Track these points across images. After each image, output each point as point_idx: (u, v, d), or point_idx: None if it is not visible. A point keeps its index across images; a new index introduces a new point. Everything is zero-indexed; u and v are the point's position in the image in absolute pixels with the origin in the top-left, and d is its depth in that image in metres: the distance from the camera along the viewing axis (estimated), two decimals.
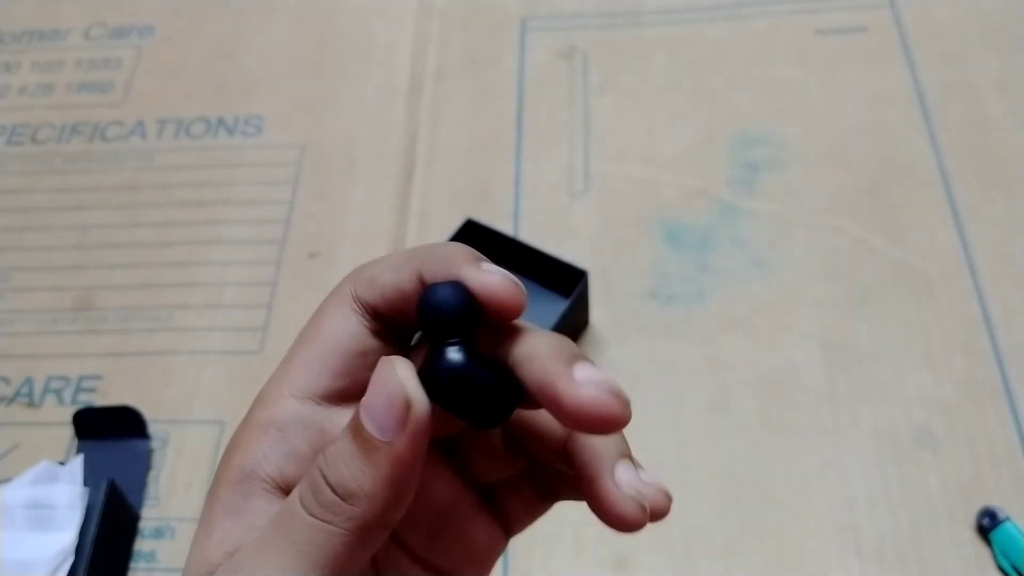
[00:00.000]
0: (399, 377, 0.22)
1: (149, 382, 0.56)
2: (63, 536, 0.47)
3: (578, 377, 0.22)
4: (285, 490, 0.24)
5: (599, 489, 0.23)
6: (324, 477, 0.22)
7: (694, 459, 0.50)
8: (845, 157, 0.61)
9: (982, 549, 0.47)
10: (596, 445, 0.24)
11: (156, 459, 0.53)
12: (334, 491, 0.22)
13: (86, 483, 0.49)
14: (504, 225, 0.59)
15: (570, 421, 0.22)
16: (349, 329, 0.24)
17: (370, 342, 0.24)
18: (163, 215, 0.63)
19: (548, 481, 0.27)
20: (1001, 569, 0.46)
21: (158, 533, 0.50)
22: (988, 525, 0.47)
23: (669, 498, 0.24)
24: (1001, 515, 0.47)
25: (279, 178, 0.64)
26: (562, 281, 0.53)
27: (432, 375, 0.22)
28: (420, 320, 0.23)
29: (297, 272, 0.59)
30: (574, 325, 0.54)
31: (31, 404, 0.56)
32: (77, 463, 0.50)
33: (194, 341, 0.57)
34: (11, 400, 0.56)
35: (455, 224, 0.55)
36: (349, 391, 0.24)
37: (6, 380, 0.57)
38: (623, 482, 0.23)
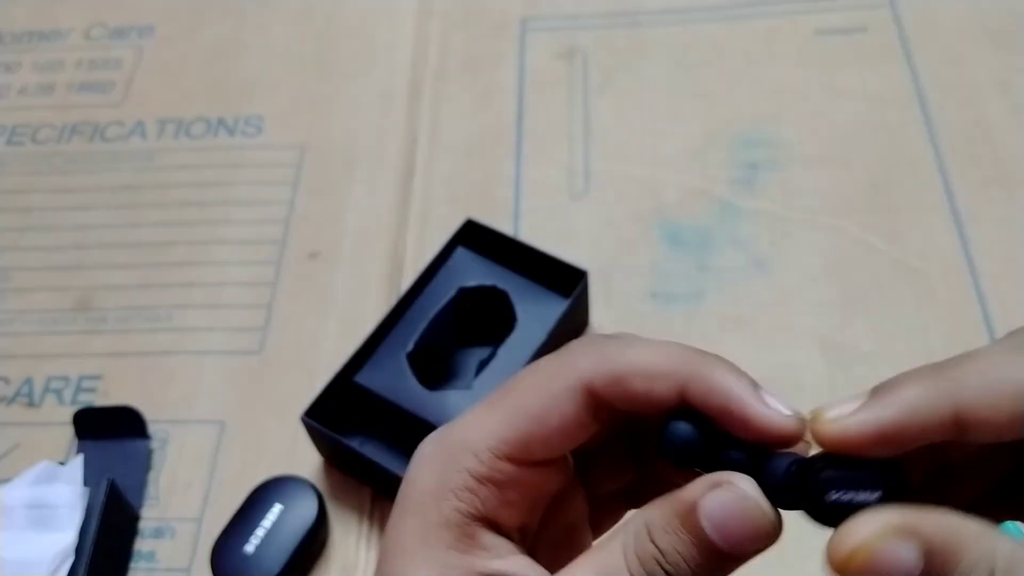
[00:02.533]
0: (761, 507, 0.23)
1: (149, 382, 0.56)
2: (63, 536, 0.47)
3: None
4: (496, 526, 0.25)
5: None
6: (665, 572, 0.23)
7: None
8: (845, 157, 0.61)
9: None
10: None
11: (156, 459, 0.53)
12: None
13: (86, 483, 0.49)
14: (504, 225, 0.59)
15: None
16: (578, 419, 0.25)
17: (593, 425, 0.25)
18: (163, 215, 0.63)
19: (641, 493, 0.28)
20: None
21: (158, 533, 0.50)
22: None
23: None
24: None
25: (279, 178, 0.64)
26: (562, 281, 0.53)
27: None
28: (666, 454, 0.24)
29: (297, 272, 0.59)
30: (574, 325, 0.54)
31: (31, 404, 0.56)
32: (77, 463, 0.50)
33: (194, 341, 0.57)
34: (11, 400, 0.56)
35: (455, 224, 0.55)
36: (557, 459, 0.26)
37: (6, 380, 0.57)
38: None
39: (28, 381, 0.56)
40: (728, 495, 0.23)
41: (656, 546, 0.23)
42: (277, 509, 0.48)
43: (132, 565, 0.50)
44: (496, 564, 0.25)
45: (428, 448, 0.26)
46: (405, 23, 0.71)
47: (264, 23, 0.73)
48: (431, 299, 0.52)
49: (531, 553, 0.26)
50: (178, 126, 0.67)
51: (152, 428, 0.54)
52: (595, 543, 0.25)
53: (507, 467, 0.25)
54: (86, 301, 0.59)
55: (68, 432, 0.54)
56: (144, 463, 0.53)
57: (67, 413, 0.54)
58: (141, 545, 0.50)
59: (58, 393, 0.56)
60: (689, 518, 0.23)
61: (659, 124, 0.64)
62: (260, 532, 0.47)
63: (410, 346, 0.51)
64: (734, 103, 0.65)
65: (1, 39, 0.74)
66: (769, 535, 0.23)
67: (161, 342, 0.57)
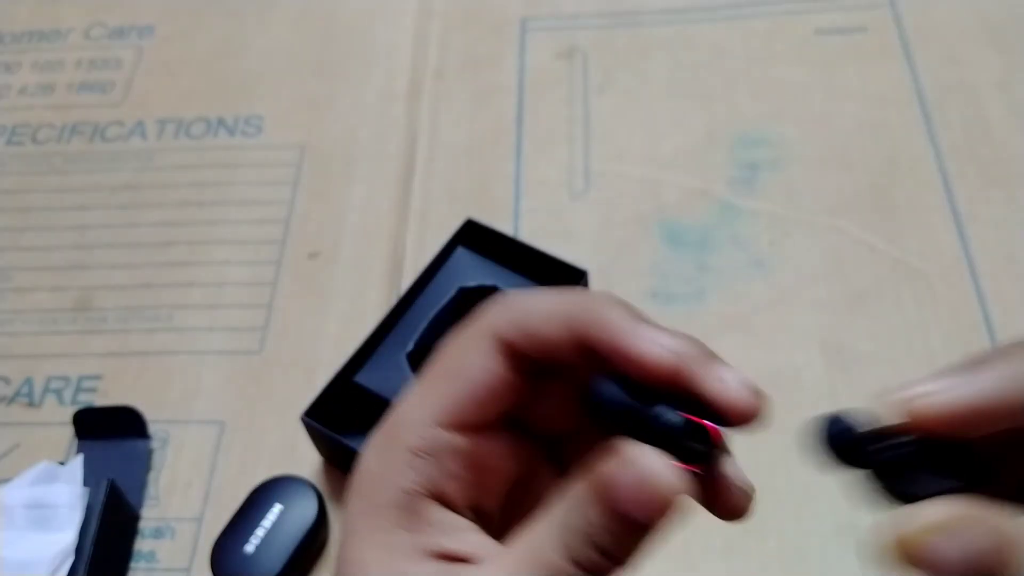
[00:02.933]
0: (668, 478, 0.23)
1: (149, 382, 0.56)
2: (63, 536, 0.47)
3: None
4: (445, 502, 0.25)
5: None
6: (589, 541, 0.23)
7: None
8: (845, 157, 0.61)
9: None
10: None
11: (156, 459, 0.53)
12: (602, 554, 0.23)
13: (86, 483, 0.49)
14: (504, 225, 0.59)
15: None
16: (496, 370, 0.25)
17: (514, 378, 0.25)
18: (163, 215, 0.63)
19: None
20: None
21: (158, 533, 0.50)
22: None
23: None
24: None
25: (279, 178, 0.64)
26: (562, 281, 0.53)
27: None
28: (588, 412, 0.24)
29: (297, 272, 0.59)
30: None
31: (31, 404, 0.56)
32: (77, 463, 0.50)
33: (194, 341, 0.57)
34: (11, 400, 0.56)
35: (455, 224, 0.55)
36: (491, 420, 0.26)
37: (6, 380, 0.57)
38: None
39: (28, 381, 0.56)
40: (631, 469, 0.23)
41: (581, 522, 0.23)
42: (277, 509, 0.48)
43: (132, 565, 0.50)
44: (443, 541, 0.25)
45: (373, 436, 0.26)
46: (405, 23, 0.71)
47: (264, 23, 0.73)
48: (431, 299, 0.52)
49: (483, 509, 0.26)
50: (178, 126, 0.67)
51: (152, 428, 0.54)
52: (530, 523, 0.25)
53: (444, 435, 0.25)
54: (86, 301, 0.59)
55: (68, 432, 0.54)
56: (144, 463, 0.52)
57: (67, 413, 0.54)
58: (141, 545, 0.50)
59: (58, 393, 0.56)
60: (602, 493, 0.23)
61: (659, 124, 0.64)
62: (260, 532, 0.47)
63: (410, 346, 0.51)
64: (734, 103, 0.65)
65: (1, 39, 0.74)
66: (671, 503, 0.23)
67: (161, 342, 0.57)
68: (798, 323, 0.55)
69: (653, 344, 0.23)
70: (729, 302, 0.56)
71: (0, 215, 0.64)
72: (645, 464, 0.23)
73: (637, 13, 0.70)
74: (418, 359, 0.50)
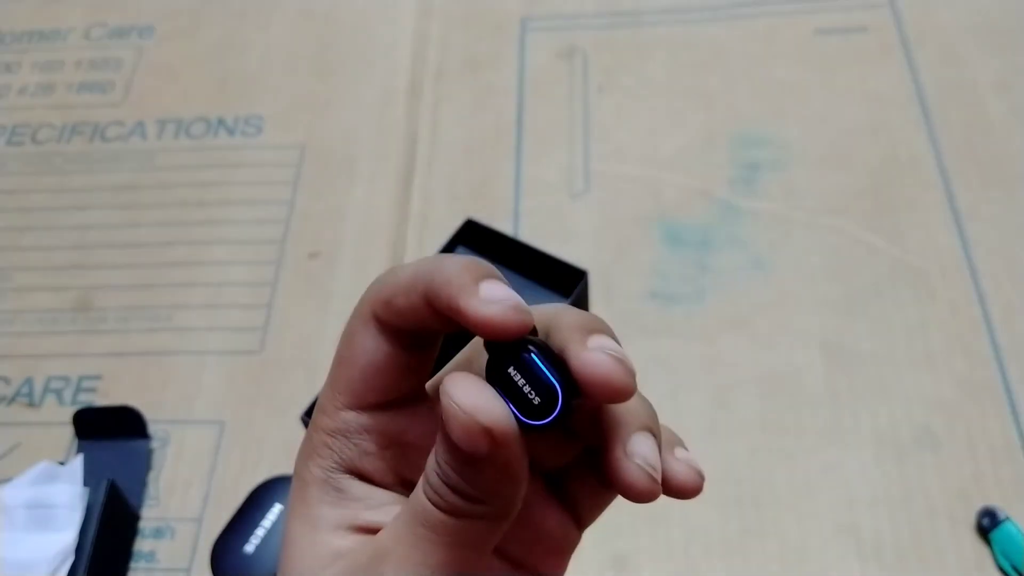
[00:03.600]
0: (469, 411, 0.22)
1: (149, 382, 0.56)
2: (63, 536, 0.47)
3: (590, 344, 0.23)
4: (368, 478, 0.26)
5: (609, 456, 0.24)
6: (445, 483, 0.23)
7: None
8: (845, 157, 0.61)
9: (982, 549, 0.47)
10: (618, 416, 0.25)
11: (156, 459, 0.53)
12: (454, 492, 0.23)
13: (86, 483, 0.49)
14: (504, 225, 0.59)
15: (584, 385, 0.23)
16: (382, 348, 0.25)
17: (401, 353, 0.26)
18: (163, 215, 0.63)
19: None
20: (1001, 569, 0.46)
21: (158, 533, 0.50)
22: (988, 525, 0.47)
23: (701, 476, 0.25)
24: (1001, 515, 0.47)
25: (279, 178, 0.64)
26: (562, 281, 0.53)
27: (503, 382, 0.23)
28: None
29: (297, 272, 0.59)
30: None
31: (31, 404, 0.56)
32: (77, 463, 0.50)
33: (194, 341, 0.57)
34: (11, 400, 0.56)
35: (455, 224, 0.55)
36: (397, 397, 0.26)
37: (6, 380, 0.57)
38: (635, 452, 0.24)
39: (28, 381, 0.56)
40: (455, 400, 0.23)
41: (432, 462, 0.24)
42: (277, 509, 0.48)
43: (132, 565, 0.50)
44: (365, 514, 0.26)
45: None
46: (405, 23, 0.71)
47: (264, 23, 0.73)
48: None
49: None
50: (178, 126, 0.67)
51: (152, 428, 0.54)
52: None
53: (349, 416, 0.26)
54: (86, 301, 0.59)
55: (68, 432, 0.54)
56: (144, 463, 0.53)
57: (67, 413, 0.54)
58: (141, 545, 0.50)
59: (58, 393, 0.56)
60: (441, 427, 0.23)
61: (659, 124, 0.64)
62: (260, 532, 0.47)
63: None
64: (734, 103, 0.65)
65: (1, 39, 0.74)
66: (494, 435, 0.22)
67: (161, 342, 0.57)
68: (798, 323, 0.55)
69: (487, 303, 0.23)
70: (729, 302, 0.56)
71: (0, 215, 0.64)
72: (467, 394, 0.22)
73: (637, 13, 0.70)
74: None
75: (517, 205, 0.61)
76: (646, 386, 0.58)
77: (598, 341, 0.23)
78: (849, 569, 0.47)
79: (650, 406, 0.26)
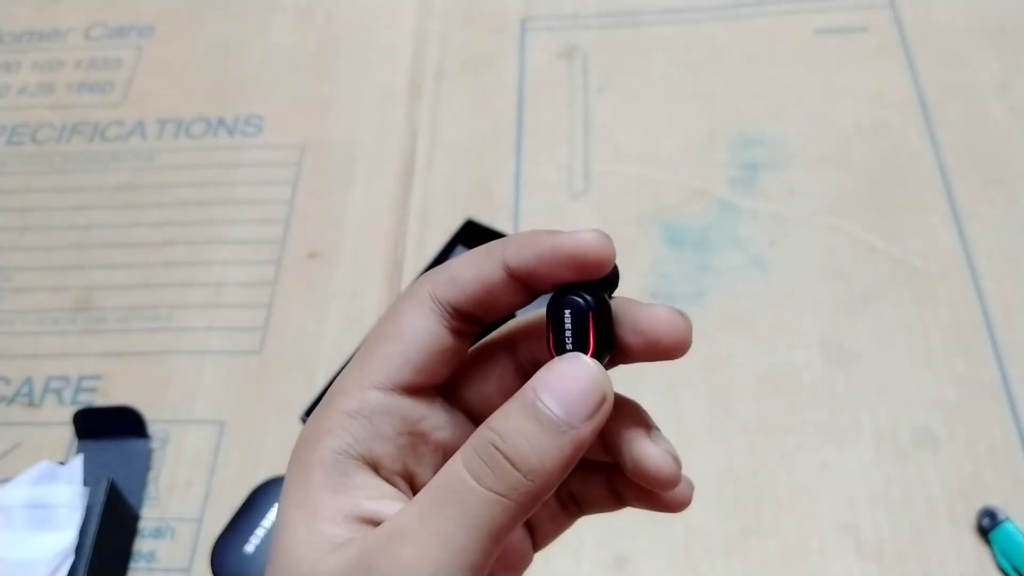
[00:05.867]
0: (594, 372, 0.24)
1: (149, 382, 0.56)
2: (63, 536, 0.47)
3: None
4: (375, 466, 0.26)
5: (637, 448, 0.25)
6: (503, 454, 0.23)
7: (694, 459, 0.50)
8: (845, 157, 0.61)
9: (982, 549, 0.47)
10: (636, 413, 0.26)
11: (156, 459, 0.53)
12: (515, 467, 0.23)
13: (86, 483, 0.49)
14: (504, 225, 0.59)
15: (648, 338, 0.25)
16: (431, 328, 0.26)
17: (448, 339, 0.26)
18: (163, 215, 0.63)
19: (573, 496, 0.29)
20: (1001, 569, 0.46)
21: (158, 533, 0.50)
22: (988, 525, 0.47)
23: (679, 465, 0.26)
24: (1001, 515, 0.47)
25: (279, 178, 0.64)
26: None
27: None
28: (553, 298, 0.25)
29: (297, 272, 0.59)
30: None
31: (31, 404, 0.56)
32: (77, 463, 0.50)
33: (194, 341, 0.57)
34: (11, 400, 0.56)
35: (455, 224, 0.55)
36: (426, 384, 0.26)
37: (6, 380, 0.57)
38: (659, 441, 0.26)
39: (28, 381, 0.56)
40: (567, 362, 0.24)
41: (492, 430, 0.23)
42: (277, 509, 0.48)
43: (132, 565, 0.50)
44: (368, 504, 0.25)
45: (318, 405, 0.27)
46: (405, 23, 0.71)
47: (264, 23, 0.73)
48: None
49: None
50: (178, 126, 0.67)
51: (152, 428, 0.54)
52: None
53: (379, 396, 0.25)
54: (86, 301, 0.59)
55: (68, 432, 0.54)
56: (144, 463, 0.53)
57: (67, 413, 0.54)
58: (141, 545, 0.50)
59: (58, 393, 0.56)
60: (525, 395, 0.24)
61: (659, 124, 0.64)
62: (260, 532, 0.47)
63: None
64: (734, 103, 0.65)
65: (1, 39, 0.74)
66: (607, 412, 0.24)
67: (161, 342, 0.57)
68: (798, 323, 0.55)
69: (582, 232, 0.24)
70: (729, 302, 0.56)
71: (0, 215, 0.64)
72: (587, 362, 0.24)
73: (637, 13, 0.70)
74: None
75: (517, 205, 0.61)
76: (645, 386, 0.57)
77: (657, 305, 0.25)
78: (849, 569, 0.47)
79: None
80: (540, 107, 0.66)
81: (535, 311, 0.27)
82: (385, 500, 0.25)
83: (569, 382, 0.24)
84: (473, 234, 0.55)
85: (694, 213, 0.60)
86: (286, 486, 0.26)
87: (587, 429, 0.23)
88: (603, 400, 0.24)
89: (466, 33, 0.70)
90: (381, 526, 0.24)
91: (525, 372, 0.28)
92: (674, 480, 0.25)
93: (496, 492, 0.23)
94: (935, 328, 0.54)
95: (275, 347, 0.57)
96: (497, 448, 0.23)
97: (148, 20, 0.74)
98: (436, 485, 0.24)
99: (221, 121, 0.67)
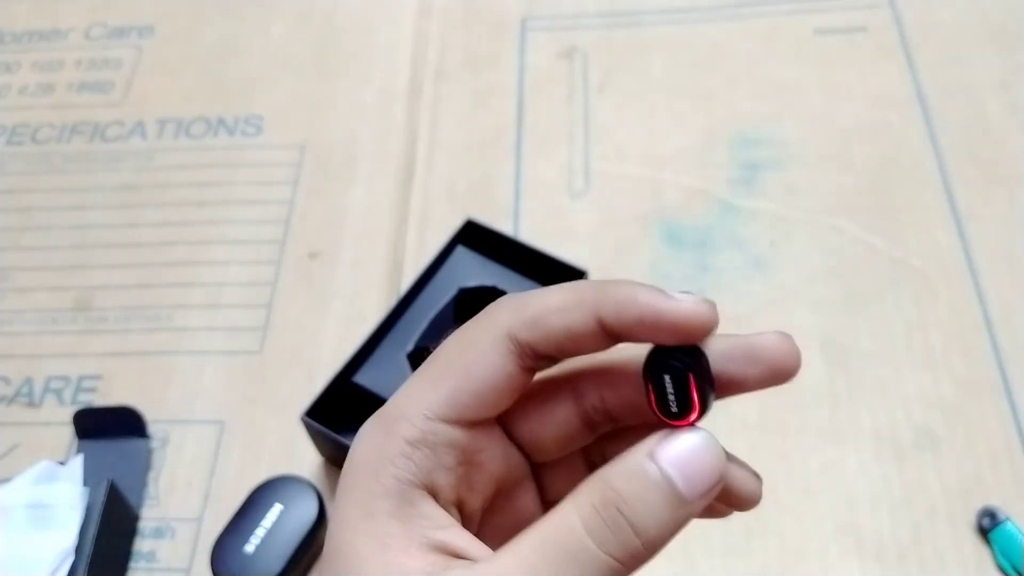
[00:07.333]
0: (718, 452, 0.24)
1: (149, 382, 0.56)
2: (63, 536, 0.47)
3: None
4: (434, 495, 0.25)
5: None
6: (627, 519, 0.23)
7: None
8: (845, 157, 0.61)
9: (982, 549, 0.47)
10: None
11: (156, 459, 0.53)
12: (636, 534, 0.23)
13: (86, 483, 0.49)
14: (504, 225, 0.59)
15: (772, 366, 0.26)
16: (506, 368, 0.25)
17: (519, 376, 0.26)
18: (163, 215, 0.63)
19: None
20: (1001, 569, 0.46)
21: (158, 533, 0.50)
22: (988, 525, 0.47)
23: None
24: (1001, 515, 0.47)
25: (279, 178, 0.64)
26: (562, 281, 0.53)
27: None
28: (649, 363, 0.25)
29: (297, 272, 0.59)
30: None
31: (31, 404, 0.56)
32: (77, 463, 0.50)
33: (194, 341, 0.57)
34: (11, 400, 0.56)
35: (455, 224, 0.55)
36: (489, 416, 0.26)
37: (6, 380, 0.57)
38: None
39: (28, 381, 0.56)
40: (693, 438, 0.24)
41: (614, 490, 0.23)
42: (277, 509, 0.48)
43: (132, 565, 0.50)
44: (436, 534, 0.24)
45: (367, 426, 0.26)
46: (405, 23, 0.71)
47: (264, 23, 0.73)
48: (431, 299, 0.52)
49: (465, 502, 0.27)
50: (178, 126, 0.67)
51: (152, 428, 0.54)
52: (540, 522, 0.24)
53: (441, 427, 0.25)
54: (86, 301, 0.59)
55: (68, 432, 0.54)
56: (144, 463, 0.53)
57: (67, 413, 0.54)
58: (141, 545, 0.50)
59: (58, 393, 0.56)
60: (647, 461, 0.23)
61: (659, 124, 0.64)
62: (260, 532, 0.47)
63: (410, 346, 0.51)
64: (734, 103, 0.65)
65: (1, 39, 0.74)
66: (721, 481, 0.24)
67: (161, 342, 0.57)
68: (798, 323, 0.55)
69: (686, 299, 0.24)
70: (729, 302, 0.56)
71: (0, 215, 0.64)
72: (712, 439, 0.24)
73: (637, 13, 0.70)
74: (418, 359, 0.50)
75: (517, 205, 0.61)
76: None
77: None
78: (849, 569, 0.47)
79: None
80: (540, 107, 0.66)
81: (603, 353, 0.26)
82: (451, 529, 0.25)
83: (694, 459, 0.24)
84: (473, 234, 0.55)
85: (694, 213, 0.60)
86: (345, 513, 0.25)
87: (700, 505, 0.24)
88: (719, 481, 0.24)
89: (466, 33, 0.70)
90: (475, 566, 0.24)
91: (590, 420, 0.27)
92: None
93: (615, 558, 0.23)
94: (935, 328, 0.54)
95: (275, 347, 0.57)
96: (621, 512, 0.23)
97: (148, 20, 0.74)
98: (547, 538, 0.23)
99: (221, 121, 0.67)
